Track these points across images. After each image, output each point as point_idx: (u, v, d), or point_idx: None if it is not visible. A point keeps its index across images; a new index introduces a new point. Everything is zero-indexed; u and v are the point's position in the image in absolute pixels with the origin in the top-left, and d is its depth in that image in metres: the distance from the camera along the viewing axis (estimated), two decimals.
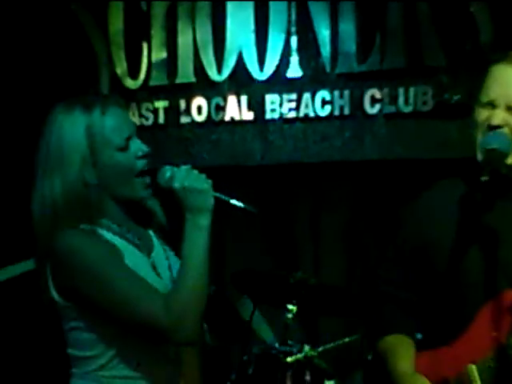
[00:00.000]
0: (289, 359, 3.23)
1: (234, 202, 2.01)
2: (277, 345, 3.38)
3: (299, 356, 3.24)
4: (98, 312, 1.97)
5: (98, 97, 2.10)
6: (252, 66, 4.25)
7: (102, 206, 2.03)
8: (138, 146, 2.05)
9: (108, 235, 2.02)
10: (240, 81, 4.30)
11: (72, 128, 1.99)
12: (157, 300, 1.91)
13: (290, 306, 3.36)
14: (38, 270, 2.05)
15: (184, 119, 4.43)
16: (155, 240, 2.16)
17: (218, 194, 1.99)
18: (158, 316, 1.89)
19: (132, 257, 2.01)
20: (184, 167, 1.99)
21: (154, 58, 4.46)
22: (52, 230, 1.98)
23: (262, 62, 4.23)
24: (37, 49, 4.65)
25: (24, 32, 4.68)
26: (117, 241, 2.02)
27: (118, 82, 4.54)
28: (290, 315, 3.37)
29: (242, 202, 2.03)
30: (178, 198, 1.96)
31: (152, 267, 2.06)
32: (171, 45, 4.42)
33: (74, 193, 1.98)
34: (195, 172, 1.98)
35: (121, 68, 4.54)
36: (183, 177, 1.95)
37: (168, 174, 1.99)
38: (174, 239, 2.10)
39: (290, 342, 3.35)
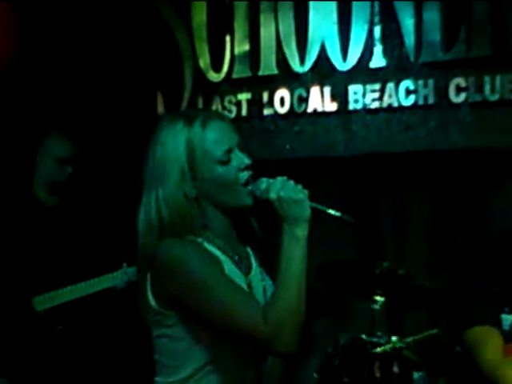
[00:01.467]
0: (376, 350, 3.22)
1: (331, 211, 2.01)
2: (364, 336, 3.37)
3: (387, 347, 3.23)
4: (196, 320, 1.99)
5: (200, 110, 2.14)
6: (335, 56, 4.23)
7: (205, 219, 2.07)
8: (239, 159, 2.06)
9: (211, 248, 2.05)
10: (323, 72, 4.28)
11: (174, 141, 2.04)
12: (256, 310, 1.92)
13: (378, 297, 3.35)
14: (138, 278, 2.11)
15: (267, 111, 4.44)
16: (253, 260, 2.18)
17: (314, 204, 1.98)
18: (256, 326, 1.90)
19: (231, 273, 2.03)
20: (280, 178, 2.00)
21: (236, 50, 4.48)
22: (156, 239, 2.02)
23: (344, 52, 4.20)
24: (121, 43, 4.74)
25: (107, 26, 4.77)
26: (219, 255, 2.05)
27: (202, 75, 4.58)
28: (377, 306, 3.36)
29: (337, 209, 2.02)
30: (274, 209, 1.98)
31: (248, 288, 2.08)
32: (254, 37, 4.42)
33: (175, 205, 2.03)
34: (291, 182, 1.99)
35: (204, 61, 4.58)
36: (279, 187, 1.97)
37: (264, 186, 2.01)
38: (270, 253, 2.10)
39: (377, 333, 3.35)
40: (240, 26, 4.46)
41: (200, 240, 2.04)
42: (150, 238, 2.04)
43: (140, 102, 4.73)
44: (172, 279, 1.98)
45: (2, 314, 3.80)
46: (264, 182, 2.02)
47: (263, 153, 4.36)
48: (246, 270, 2.12)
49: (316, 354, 3.56)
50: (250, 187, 2.05)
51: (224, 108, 4.50)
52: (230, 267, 2.05)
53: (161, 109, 4.70)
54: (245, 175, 2.06)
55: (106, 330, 4.35)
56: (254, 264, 2.17)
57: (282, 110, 4.40)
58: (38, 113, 4.81)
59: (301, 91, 4.34)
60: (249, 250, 2.19)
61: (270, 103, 4.42)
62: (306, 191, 1.98)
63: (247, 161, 2.07)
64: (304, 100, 4.34)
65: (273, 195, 1.97)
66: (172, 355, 2.07)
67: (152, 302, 2.04)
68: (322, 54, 4.26)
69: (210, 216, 2.08)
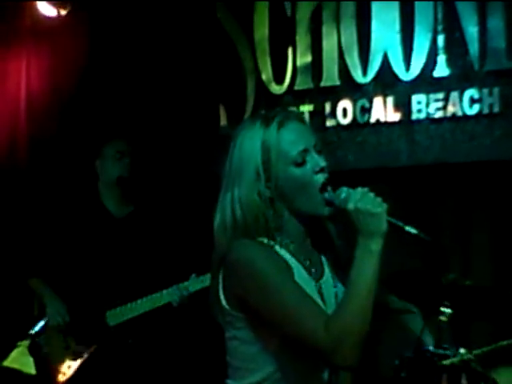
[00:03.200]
0: (444, 362, 3.18)
1: (408, 228, 1.96)
2: (431, 348, 3.33)
3: (455, 359, 3.18)
4: (262, 324, 1.99)
5: (280, 111, 2.13)
6: (398, 66, 4.21)
7: (280, 222, 2.07)
8: (315, 161, 2.04)
9: (282, 252, 2.05)
10: (385, 82, 4.26)
11: (250, 142, 2.06)
12: (320, 320, 1.90)
13: (445, 309, 3.31)
14: (212, 277, 2.11)
15: (329, 122, 4.44)
16: (326, 267, 2.16)
17: (392, 219, 1.95)
18: (317, 335, 1.88)
19: (301, 278, 2.02)
20: (360, 189, 1.97)
21: (299, 62, 4.49)
22: (230, 239, 2.03)
23: (407, 62, 4.17)
24: (184, 56, 4.80)
25: (170, 41, 4.84)
26: (290, 259, 2.05)
27: (264, 87, 4.60)
28: (443, 318, 3.32)
29: (416, 228, 1.97)
30: (351, 220, 1.95)
31: (318, 293, 2.07)
32: (316, 48, 4.43)
33: (248, 205, 2.04)
34: (371, 195, 1.96)
35: (266, 74, 4.61)
36: (357, 199, 1.95)
37: (343, 195, 1.99)
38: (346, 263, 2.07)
39: (444, 345, 3.30)
40: (302, 38, 4.47)
41: (272, 243, 2.04)
42: (224, 238, 2.05)
43: (203, 115, 4.78)
44: (239, 280, 1.99)
45: (78, 329, 3.86)
46: (344, 192, 2.00)
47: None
48: (317, 276, 2.11)
49: (382, 367, 3.52)
50: (327, 195, 2.03)
51: None
52: (299, 272, 2.04)
53: (223, 122, 4.74)
54: (320, 178, 2.03)
55: (175, 338, 4.37)
56: (327, 270, 2.15)
57: (345, 121, 4.39)
58: (100, 124, 4.90)
59: (363, 102, 4.33)
60: (322, 256, 2.17)
61: (333, 114, 4.42)
62: (385, 205, 1.94)
63: (322, 163, 2.04)
64: (367, 110, 4.32)
65: (350, 206, 1.95)
66: (242, 358, 2.07)
67: (223, 302, 2.05)
68: (385, 63, 4.24)
69: (285, 220, 2.08)
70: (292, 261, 2.05)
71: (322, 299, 2.06)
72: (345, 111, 4.39)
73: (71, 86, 5.07)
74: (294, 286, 1.96)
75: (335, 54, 4.38)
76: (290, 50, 4.51)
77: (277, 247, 2.05)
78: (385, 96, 4.27)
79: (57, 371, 3.89)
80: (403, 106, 4.23)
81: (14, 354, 4.00)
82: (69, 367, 3.85)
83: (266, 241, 2.04)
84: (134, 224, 4.03)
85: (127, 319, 3.80)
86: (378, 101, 4.29)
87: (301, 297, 1.94)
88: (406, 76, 4.20)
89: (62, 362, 3.87)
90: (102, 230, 3.98)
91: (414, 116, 4.21)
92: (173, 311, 3.80)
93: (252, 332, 2.03)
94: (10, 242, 4.57)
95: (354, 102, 4.35)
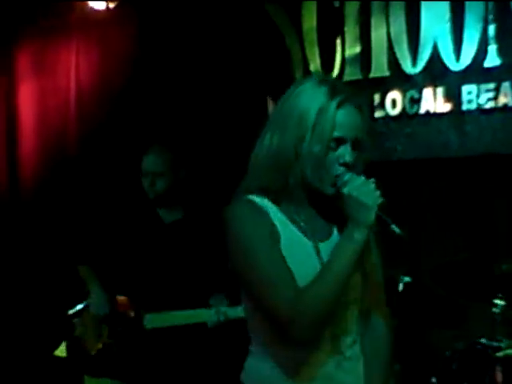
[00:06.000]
0: (498, 354, 3.16)
1: (393, 227, 1.97)
2: (484, 340, 3.31)
3: (509, 351, 3.16)
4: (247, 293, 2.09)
5: (346, 87, 2.12)
6: (447, 56, 4.16)
7: (292, 185, 2.07)
8: (343, 154, 2.04)
9: (276, 216, 2.07)
10: (435, 72, 4.22)
11: (310, 99, 2.05)
12: (287, 290, 1.96)
13: (498, 300, 3.29)
14: None
15: (378, 113, 4.41)
16: (335, 234, 2.16)
17: (382, 214, 1.97)
18: (280, 305, 1.95)
19: (292, 242, 2.05)
20: (362, 178, 2.00)
21: (347, 53, 4.47)
22: (247, 184, 2.11)
23: (458, 52, 4.12)
24: (233, 50, 4.81)
25: (219, 32, 4.86)
26: (283, 223, 2.07)
27: None
28: (497, 309, 3.30)
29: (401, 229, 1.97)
30: (343, 203, 2.00)
31: (316, 254, 2.09)
32: (365, 39, 4.41)
33: (279, 154, 2.05)
34: (371, 186, 1.98)
35: (314, 65, 4.59)
36: (355, 186, 1.98)
37: (345, 178, 2.01)
38: None
39: (498, 337, 3.28)
40: (351, 29, 4.45)
41: (271, 205, 2.07)
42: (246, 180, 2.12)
43: (251, 107, 4.78)
44: (228, 239, 2.06)
45: (114, 322, 3.88)
46: (347, 175, 2.02)
47: (374, 155, 4.31)
48: (319, 238, 2.11)
49: (435, 359, 3.51)
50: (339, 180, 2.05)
51: None
52: (293, 234, 2.07)
53: None
54: (339, 170, 2.03)
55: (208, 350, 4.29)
56: (335, 237, 2.14)
57: (394, 112, 4.36)
58: (150, 118, 4.93)
59: (413, 93, 4.29)
60: (334, 228, 2.16)
61: (382, 105, 4.39)
62: (379, 200, 1.97)
63: (348, 158, 2.03)
64: (416, 101, 4.29)
65: (345, 190, 1.99)
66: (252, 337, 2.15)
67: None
68: (435, 54, 4.20)
69: (293, 186, 2.08)
70: (286, 224, 2.07)
71: (321, 260, 2.07)
72: (394, 102, 4.36)
73: (120, 78, 5.13)
74: (273, 255, 2.00)
75: (384, 45, 4.35)
76: (338, 41, 4.50)
77: (273, 210, 2.07)
78: (435, 87, 4.23)
79: (84, 356, 3.92)
80: (453, 96, 4.18)
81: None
82: (96, 355, 3.88)
83: (266, 203, 2.07)
84: (181, 232, 3.94)
85: (163, 326, 3.77)
86: (427, 91, 4.25)
87: (276, 266, 1.99)
88: (456, 66, 4.16)
89: (91, 348, 3.90)
90: (149, 233, 3.88)
91: (465, 107, 4.16)
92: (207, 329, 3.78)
93: (244, 296, 2.13)
94: (63, 228, 4.63)
95: (404, 93, 4.32)
